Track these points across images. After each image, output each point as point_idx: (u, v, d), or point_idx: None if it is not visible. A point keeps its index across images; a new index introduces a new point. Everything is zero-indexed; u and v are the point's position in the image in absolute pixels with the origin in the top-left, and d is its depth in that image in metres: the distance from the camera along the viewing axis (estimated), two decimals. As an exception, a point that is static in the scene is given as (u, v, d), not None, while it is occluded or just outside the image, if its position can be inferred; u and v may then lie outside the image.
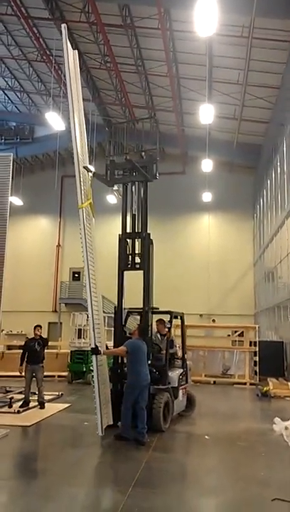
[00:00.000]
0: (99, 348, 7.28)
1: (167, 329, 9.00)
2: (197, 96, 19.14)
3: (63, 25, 8.40)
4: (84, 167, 8.07)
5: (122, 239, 8.52)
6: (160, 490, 5.11)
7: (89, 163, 8.62)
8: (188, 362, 9.53)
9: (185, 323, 10.01)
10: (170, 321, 9.11)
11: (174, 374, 8.56)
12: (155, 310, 8.47)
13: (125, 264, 8.44)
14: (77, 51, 9.31)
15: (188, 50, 17.26)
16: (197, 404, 9.53)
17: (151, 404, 7.59)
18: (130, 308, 8.74)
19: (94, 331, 7.29)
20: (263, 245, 22.07)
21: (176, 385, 8.46)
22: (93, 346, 7.26)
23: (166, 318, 9.17)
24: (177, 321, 9.95)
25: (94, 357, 7.24)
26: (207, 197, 23.76)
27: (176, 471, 5.75)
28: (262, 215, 22.70)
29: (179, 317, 9.59)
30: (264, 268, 22.09)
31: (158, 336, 8.96)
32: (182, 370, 8.91)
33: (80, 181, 7.76)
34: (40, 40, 18.18)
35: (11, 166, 12.10)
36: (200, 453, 7.01)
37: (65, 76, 8.50)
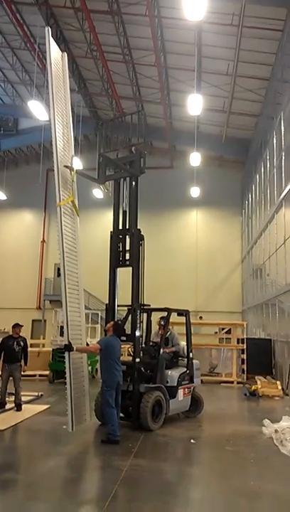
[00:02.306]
0: (72, 345, 7.03)
1: (162, 326, 8.87)
2: (186, 87, 18.63)
3: (47, 29, 8.21)
4: (65, 166, 7.81)
5: (114, 235, 8.47)
6: (139, 505, 4.64)
7: (75, 157, 8.22)
8: (194, 361, 9.20)
9: (171, 321, 9.57)
10: (167, 318, 8.88)
11: (174, 373, 8.43)
12: (146, 307, 8.37)
13: (116, 260, 8.39)
14: (66, 53, 8.89)
15: (176, 39, 16.73)
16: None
17: (139, 403, 7.48)
18: (119, 305, 8.55)
19: (67, 327, 7.09)
20: (251, 241, 21.74)
21: (175, 384, 8.28)
22: (66, 343, 7.04)
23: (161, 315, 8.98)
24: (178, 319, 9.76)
25: (66, 353, 7.02)
26: (195, 192, 23.31)
27: (158, 482, 5.27)
28: (251, 210, 22.36)
29: (184, 315, 9.41)
30: (252, 265, 21.76)
31: (159, 334, 8.85)
32: (185, 370, 8.71)
33: (58, 179, 7.50)
34: (23, 27, 17.46)
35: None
36: (184, 460, 6.57)
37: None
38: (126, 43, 17.58)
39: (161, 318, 9.02)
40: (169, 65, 18.42)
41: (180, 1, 11.95)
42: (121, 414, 7.75)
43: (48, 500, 4.79)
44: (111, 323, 7.61)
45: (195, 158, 20.48)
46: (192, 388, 8.93)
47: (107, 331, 7.46)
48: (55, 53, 8.35)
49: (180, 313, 9.45)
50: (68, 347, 6.99)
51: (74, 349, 7.03)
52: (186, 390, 8.69)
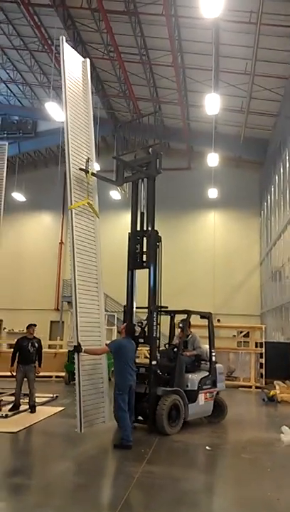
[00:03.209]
0: (81, 346, 6.96)
1: (181, 329, 8.78)
2: (203, 87, 18.45)
3: (61, 37, 8.23)
4: (80, 169, 7.80)
5: (132, 237, 8.44)
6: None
7: (91, 160, 8.24)
8: (218, 365, 9.02)
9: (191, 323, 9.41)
10: (186, 321, 8.80)
11: (194, 377, 8.29)
12: (163, 309, 8.26)
13: (134, 262, 8.37)
14: (88, 60, 8.85)
15: (193, 39, 16.57)
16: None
17: (155, 406, 7.38)
18: (137, 307, 8.48)
19: (77, 329, 7.04)
20: (270, 243, 21.35)
21: (195, 388, 8.14)
22: (75, 344, 6.98)
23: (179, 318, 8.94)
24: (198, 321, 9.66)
25: (76, 354, 6.97)
26: (212, 193, 23.07)
27: (170, 490, 5.09)
28: (269, 211, 21.97)
29: (207, 317, 9.27)
30: (270, 267, 21.38)
31: (178, 337, 8.79)
32: (207, 374, 8.56)
33: (70, 182, 7.53)
34: (41, 29, 17.58)
35: (6, 156, 11.46)
36: (199, 467, 6.37)
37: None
38: (143, 44, 17.52)
39: (182, 320, 8.89)
40: (186, 65, 18.27)
41: (197, -1, 11.82)
42: (140, 417, 7.74)
43: (57, 508, 4.66)
44: (124, 325, 7.51)
45: (212, 159, 20.27)
46: (214, 393, 8.71)
47: (120, 333, 7.37)
48: (73, 60, 8.37)
49: (202, 315, 9.29)
50: (77, 348, 6.94)
51: (83, 350, 6.95)
52: (208, 394, 8.48)
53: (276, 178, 19.79)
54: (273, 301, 20.22)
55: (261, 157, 23.81)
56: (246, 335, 16.31)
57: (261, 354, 14.83)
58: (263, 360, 14.77)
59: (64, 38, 8.29)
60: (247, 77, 17.34)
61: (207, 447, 7.04)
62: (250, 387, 14.15)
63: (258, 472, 5.94)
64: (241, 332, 17.62)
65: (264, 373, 14.67)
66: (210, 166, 21.63)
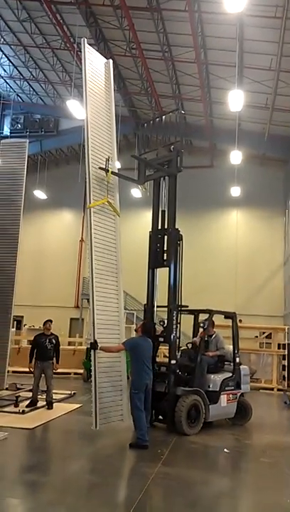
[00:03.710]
0: (98, 344, 6.94)
1: (202, 329, 8.70)
2: (227, 84, 18.13)
3: (83, 39, 8.21)
4: (100, 168, 7.81)
5: (153, 235, 8.42)
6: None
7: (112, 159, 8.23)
8: (243, 367, 8.92)
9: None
10: (209, 320, 8.69)
11: (217, 377, 8.20)
12: (184, 308, 8.20)
13: (155, 261, 8.35)
14: (111, 60, 8.79)
15: (217, 35, 16.28)
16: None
17: (174, 406, 7.34)
18: (158, 306, 8.44)
19: (94, 326, 7.04)
20: (294, 243, 20.90)
21: (217, 389, 8.05)
22: (92, 341, 6.98)
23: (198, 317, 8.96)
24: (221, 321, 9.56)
25: (92, 351, 6.97)
26: (235, 192, 22.71)
27: (185, 493, 4.95)
28: (294, 211, 21.51)
29: (231, 317, 9.17)
30: (294, 267, 20.91)
31: (199, 336, 8.70)
32: (230, 375, 8.42)
33: (89, 181, 7.58)
34: (63, 27, 17.61)
35: (26, 154, 11.46)
36: (215, 470, 6.19)
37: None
38: (165, 40, 17.33)
39: (204, 320, 8.77)
40: (209, 62, 17.99)
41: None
42: (160, 417, 7.74)
43: (70, 506, 4.59)
44: (141, 323, 7.42)
45: (235, 157, 19.92)
46: (238, 395, 8.55)
47: (136, 331, 7.29)
48: (96, 61, 8.40)
49: (227, 315, 9.18)
50: (93, 345, 6.93)
51: (99, 347, 6.91)
52: (231, 396, 8.34)
53: (301, 176, 19.34)
54: (296, 302, 19.78)
55: (286, 155, 23.28)
56: (269, 336, 16.00)
57: (284, 356, 14.51)
58: (285, 362, 14.45)
59: (85, 40, 8.26)
60: (272, 73, 16.96)
61: (225, 450, 6.87)
62: (272, 389, 13.86)
63: (277, 477, 5.75)
64: (263, 333, 17.29)
65: (286, 375, 14.35)
66: (233, 164, 21.27)
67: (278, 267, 24.51)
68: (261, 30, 15.29)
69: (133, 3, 15.31)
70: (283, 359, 14.62)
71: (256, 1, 13.49)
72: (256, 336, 18.79)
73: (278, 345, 15.16)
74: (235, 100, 15.59)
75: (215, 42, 16.78)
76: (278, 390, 13.80)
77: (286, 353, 14.51)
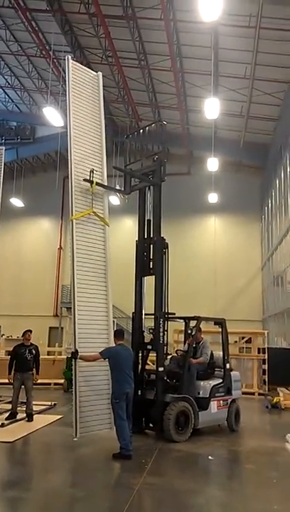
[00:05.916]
0: (78, 353, 6.91)
1: (189, 335, 8.79)
2: (203, 92, 18.36)
3: (67, 56, 8.23)
4: (84, 180, 7.81)
5: (139, 244, 8.53)
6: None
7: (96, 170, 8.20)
8: (233, 372, 8.92)
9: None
10: (196, 327, 8.74)
11: (207, 384, 8.18)
12: (171, 315, 8.27)
13: (142, 269, 8.44)
14: (100, 73, 8.73)
15: (192, 43, 16.52)
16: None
17: (163, 413, 7.33)
18: (146, 314, 8.49)
19: (75, 335, 7.01)
20: (271, 248, 21.18)
21: (207, 395, 8.02)
22: (73, 350, 6.95)
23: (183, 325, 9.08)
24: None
25: (73, 361, 6.97)
26: (213, 198, 22.94)
27: (172, 503, 4.87)
28: (270, 216, 21.82)
29: (220, 324, 9.20)
30: (272, 272, 21.18)
31: (187, 343, 8.76)
32: (220, 381, 8.41)
33: (72, 192, 7.60)
34: (38, 35, 17.52)
35: (3, 161, 11.32)
36: (201, 478, 6.12)
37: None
38: (141, 49, 17.46)
39: (194, 327, 8.82)
40: (185, 70, 18.22)
41: (195, 2, 11.74)
42: (150, 424, 7.71)
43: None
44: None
45: (212, 164, 20.14)
46: (229, 401, 8.52)
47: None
48: (82, 76, 8.34)
49: (216, 322, 9.22)
50: (74, 354, 6.88)
51: (79, 356, 6.87)
52: (221, 402, 8.32)
53: (277, 182, 19.67)
54: (275, 306, 20.00)
55: (262, 161, 23.69)
56: (249, 341, 16.06)
57: (264, 360, 14.59)
58: (266, 367, 14.52)
59: (70, 57, 8.24)
60: (247, 81, 17.26)
61: (209, 457, 6.81)
62: (253, 393, 13.90)
63: (263, 483, 5.72)
64: (243, 338, 17.36)
65: (267, 380, 14.42)
66: (210, 171, 21.50)
67: (256, 271, 24.81)
68: (236, 39, 15.56)
69: (108, 11, 15.37)
70: (264, 363, 14.69)
71: (231, 10, 13.72)
72: (236, 341, 18.88)
73: (258, 349, 15.24)
74: (211, 108, 15.78)
75: (190, 51, 16.99)
76: (259, 394, 13.84)
77: (266, 357, 14.60)
